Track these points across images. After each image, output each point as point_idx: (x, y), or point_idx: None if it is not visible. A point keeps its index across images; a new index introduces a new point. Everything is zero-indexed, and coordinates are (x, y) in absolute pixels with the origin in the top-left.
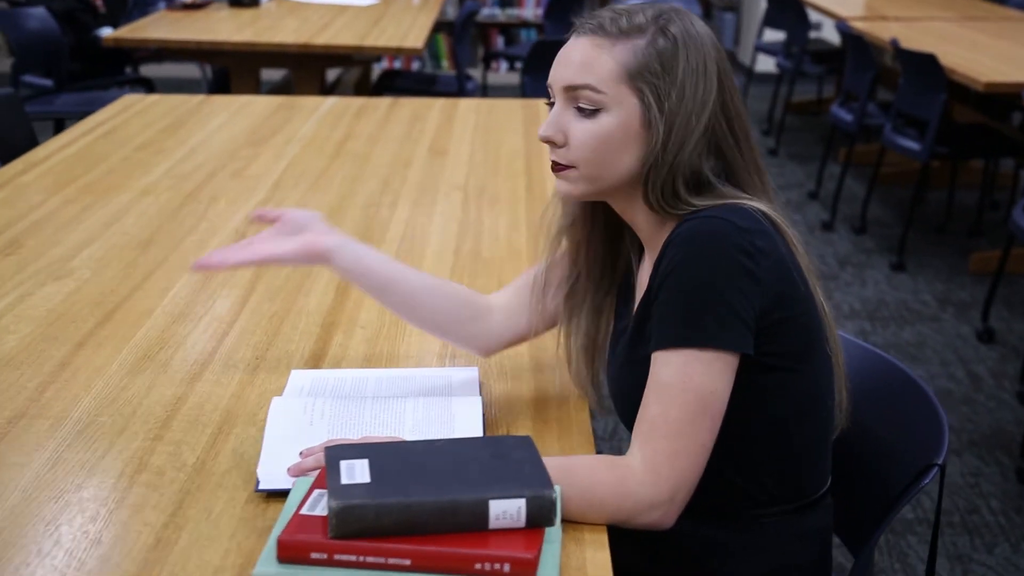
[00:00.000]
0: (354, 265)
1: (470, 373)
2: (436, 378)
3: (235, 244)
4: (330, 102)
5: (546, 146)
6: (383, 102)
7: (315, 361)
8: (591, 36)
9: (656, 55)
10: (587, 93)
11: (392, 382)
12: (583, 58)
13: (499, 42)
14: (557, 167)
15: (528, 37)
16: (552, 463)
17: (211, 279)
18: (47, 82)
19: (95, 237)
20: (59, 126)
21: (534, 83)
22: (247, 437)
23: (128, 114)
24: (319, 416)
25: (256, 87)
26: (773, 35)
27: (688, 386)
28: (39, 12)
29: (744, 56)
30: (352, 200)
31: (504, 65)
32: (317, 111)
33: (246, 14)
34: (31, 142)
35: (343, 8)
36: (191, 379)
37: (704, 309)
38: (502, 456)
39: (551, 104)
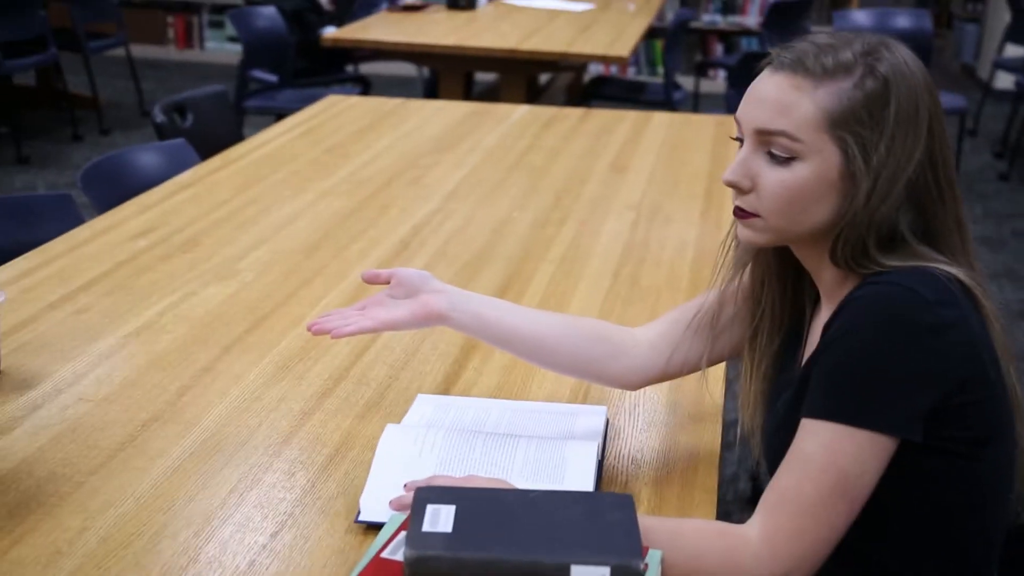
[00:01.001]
0: (472, 322)
1: (597, 413)
2: (560, 415)
3: (351, 309)
4: (521, 111)
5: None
6: (574, 113)
7: (446, 385)
8: (790, 74)
9: (863, 100)
10: (782, 140)
11: (515, 415)
12: (780, 99)
13: (718, 50)
14: (741, 214)
15: (748, 46)
16: (660, 524)
17: (365, 290)
18: (272, 78)
19: (266, 239)
20: (280, 121)
21: (739, 97)
22: (361, 462)
23: (327, 115)
24: (429, 448)
25: (465, 89)
26: (1016, 50)
27: (831, 464)
28: (269, 11)
29: (982, 71)
30: (520, 216)
31: (722, 74)
32: (507, 120)
33: (461, 17)
34: (237, 139)
35: (557, 13)
36: (321, 395)
37: (869, 385)
38: (596, 515)
39: (739, 140)
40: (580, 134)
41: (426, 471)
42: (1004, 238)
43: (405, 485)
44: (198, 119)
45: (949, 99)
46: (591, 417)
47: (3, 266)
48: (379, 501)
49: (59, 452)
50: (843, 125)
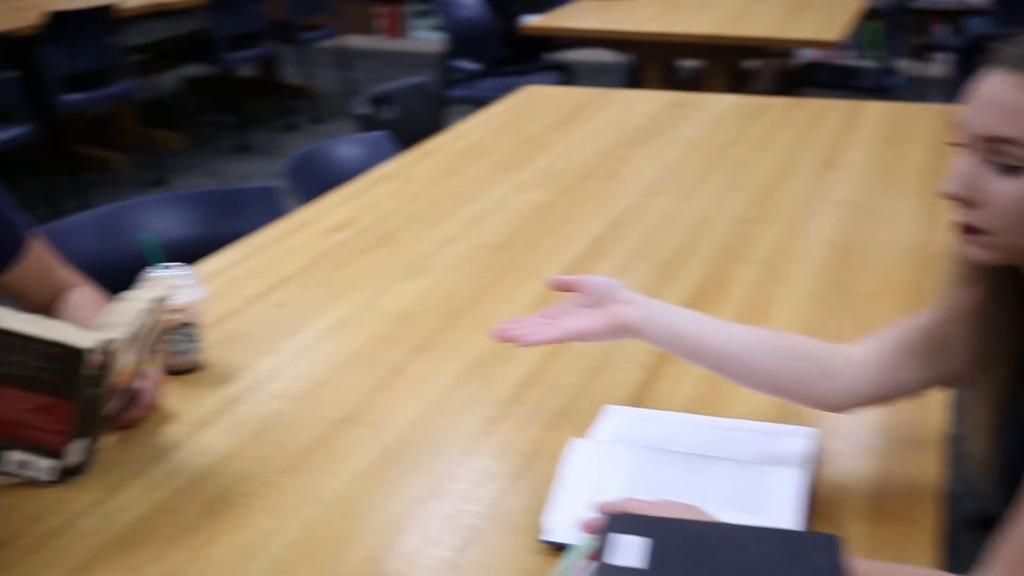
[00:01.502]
0: (665, 335)
1: (806, 436)
2: (763, 435)
3: (537, 316)
4: (725, 100)
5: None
6: (780, 103)
7: (638, 396)
8: (1020, 73)
9: None
10: (1013, 149)
11: (711, 433)
12: (1011, 104)
13: (940, 31)
14: (967, 229)
15: (975, 26)
16: (872, 569)
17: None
18: (475, 66)
19: (459, 235)
20: (479, 110)
21: (966, 84)
22: (549, 476)
23: (525, 105)
24: (618, 466)
25: (666, 77)
26: None
27: None
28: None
29: None
30: (720, 213)
31: (941, 57)
32: (708, 109)
33: (666, 3)
34: (438, 130)
35: None
36: (510, 400)
37: None
38: (798, 559)
39: (959, 146)
40: (788, 125)
41: (613, 491)
42: None
43: (597, 506)
44: (401, 110)
45: None
46: (798, 439)
47: (209, 257)
48: (563, 520)
49: (253, 449)
50: None
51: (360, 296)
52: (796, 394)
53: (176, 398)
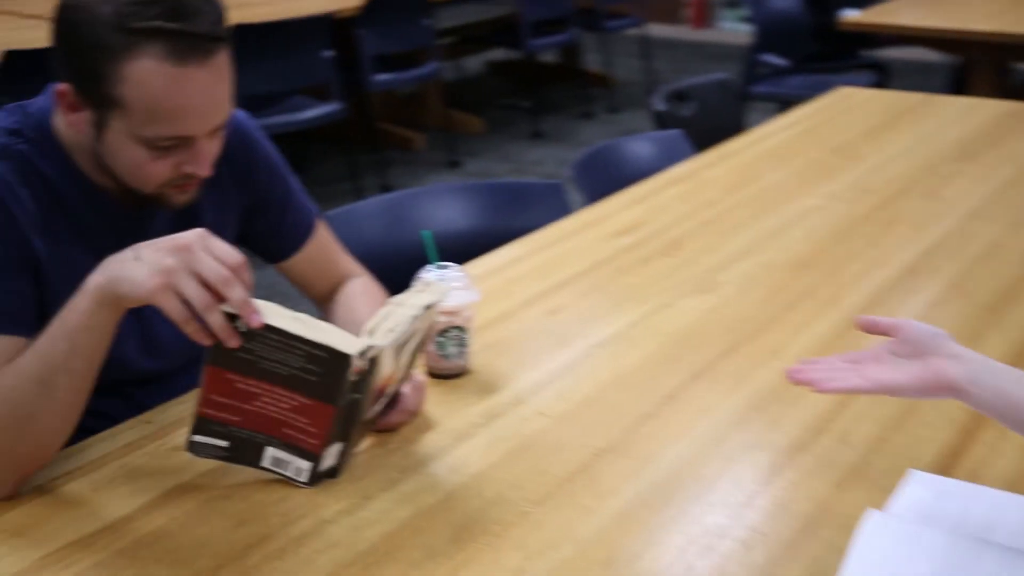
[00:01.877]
0: (997, 401)
1: None
2: None
3: (839, 359)
4: None
5: None
6: None
7: (949, 460)
8: None
9: None
10: None
11: None
12: None
13: None
14: None
15: None
16: None
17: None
18: (783, 62)
19: (752, 249)
20: (784, 110)
21: None
22: (835, 547)
23: (837, 108)
24: (923, 554)
25: (997, 83)
26: None
27: None
28: None
29: None
30: None
31: None
32: None
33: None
34: (738, 130)
35: None
36: (796, 449)
37: None
38: None
39: None
40: None
41: None
42: None
43: None
44: (699, 107)
45: None
46: None
47: (493, 252)
48: None
49: (510, 472)
50: None
51: (638, 309)
52: None
53: (437, 404)
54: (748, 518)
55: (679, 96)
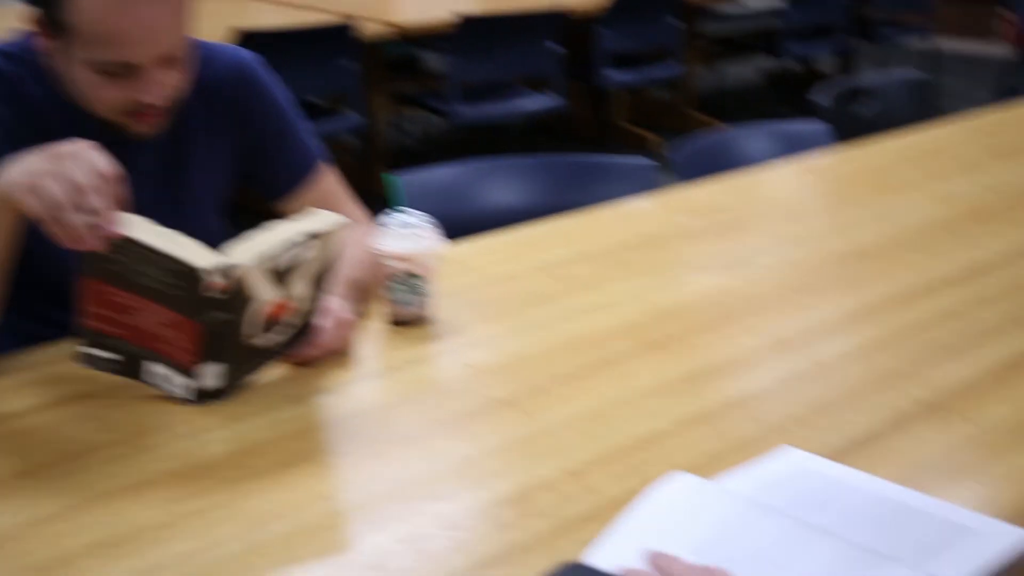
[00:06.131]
0: None
1: (1009, 537)
2: (953, 526)
3: None
4: None
5: None
6: None
7: (853, 446)
8: None
9: None
10: None
11: (886, 509)
12: None
13: None
14: None
15: None
16: None
17: (875, 309)
18: None
19: (809, 237)
20: None
21: None
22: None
23: None
24: (708, 516)
25: None
26: None
27: None
28: None
29: None
30: None
31: None
32: None
33: None
34: None
35: None
36: (701, 417)
37: None
38: None
39: None
40: None
41: (683, 543)
42: None
43: (649, 555)
44: (881, 108)
45: None
46: (996, 540)
47: (542, 221)
48: (606, 560)
49: (395, 411)
50: None
51: (646, 283)
52: None
53: (371, 346)
54: (592, 476)
55: (856, 93)
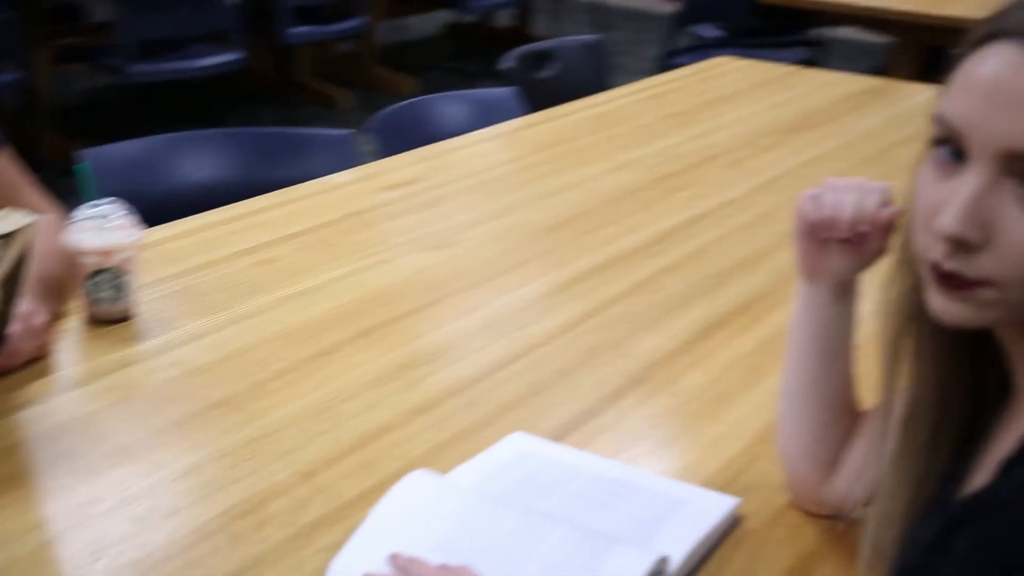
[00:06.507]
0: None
1: (720, 505)
2: (669, 499)
3: None
4: (925, 92)
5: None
6: None
7: (574, 424)
8: None
9: None
10: None
11: (609, 486)
12: None
13: None
14: (954, 281)
15: None
16: None
17: (574, 285)
18: (713, 33)
19: (514, 209)
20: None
21: None
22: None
23: (701, 77)
24: (445, 512)
25: (920, 64)
26: None
27: None
28: None
29: None
30: None
31: None
32: (904, 102)
33: None
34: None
35: None
36: (421, 409)
37: None
38: None
39: (942, 145)
40: None
41: (423, 543)
42: None
43: (389, 557)
44: (562, 69)
45: None
46: (708, 509)
47: (242, 202)
48: (354, 571)
49: (103, 422)
50: None
51: (353, 264)
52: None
53: (71, 351)
54: (324, 475)
55: (540, 57)
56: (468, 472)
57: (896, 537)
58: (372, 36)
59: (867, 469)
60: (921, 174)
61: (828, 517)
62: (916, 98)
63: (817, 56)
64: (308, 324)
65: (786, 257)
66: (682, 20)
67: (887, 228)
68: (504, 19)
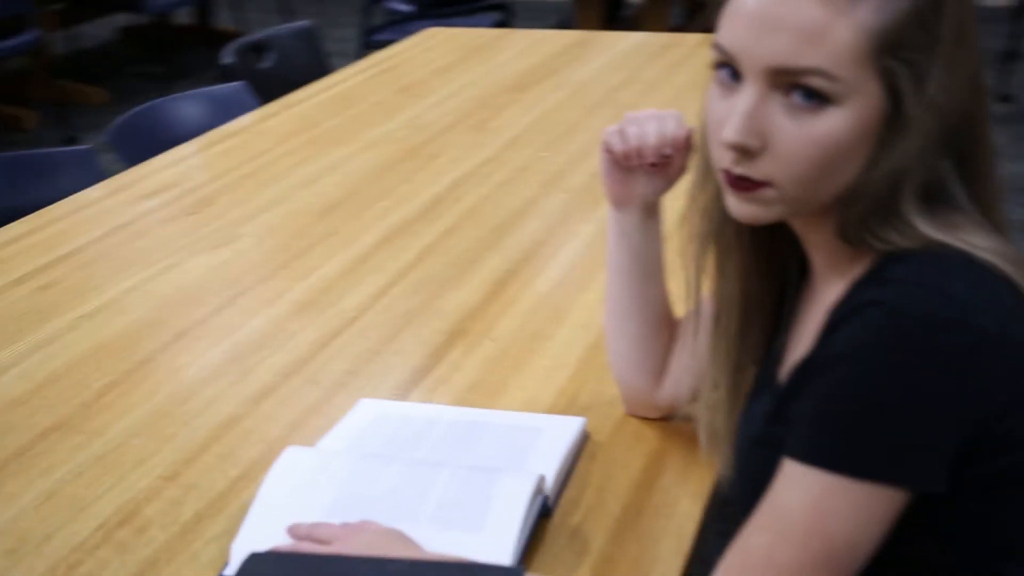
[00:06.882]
0: None
1: (571, 426)
2: (525, 430)
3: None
4: (634, 38)
5: None
6: (692, 39)
7: (411, 383)
8: None
9: (914, 12)
10: (814, 80)
11: (467, 430)
12: (807, 23)
13: None
14: (744, 184)
15: None
16: None
17: (369, 259)
18: (407, 8)
19: (284, 198)
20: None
21: None
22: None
23: (419, 49)
24: (330, 478)
25: (605, 16)
26: None
27: (817, 527)
28: None
29: None
30: (581, 166)
31: None
32: (612, 49)
33: None
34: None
35: None
36: (262, 395)
37: (878, 426)
38: None
39: (722, 68)
40: (688, 65)
41: (317, 510)
42: None
43: (288, 530)
44: (279, 59)
45: None
46: (562, 431)
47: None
48: (257, 548)
49: None
50: (892, 50)
51: (143, 273)
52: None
53: None
54: (187, 474)
55: (257, 48)
56: (332, 442)
57: (726, 421)
58: (46, 49)
59: (690, 368)
60: (708, 93)
61: (663, 418)
62: (618, 46)
63: (506, 18)
64: (117, 337)
65: (553, 202)
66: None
67: (687, 148)
68: (183, 17)
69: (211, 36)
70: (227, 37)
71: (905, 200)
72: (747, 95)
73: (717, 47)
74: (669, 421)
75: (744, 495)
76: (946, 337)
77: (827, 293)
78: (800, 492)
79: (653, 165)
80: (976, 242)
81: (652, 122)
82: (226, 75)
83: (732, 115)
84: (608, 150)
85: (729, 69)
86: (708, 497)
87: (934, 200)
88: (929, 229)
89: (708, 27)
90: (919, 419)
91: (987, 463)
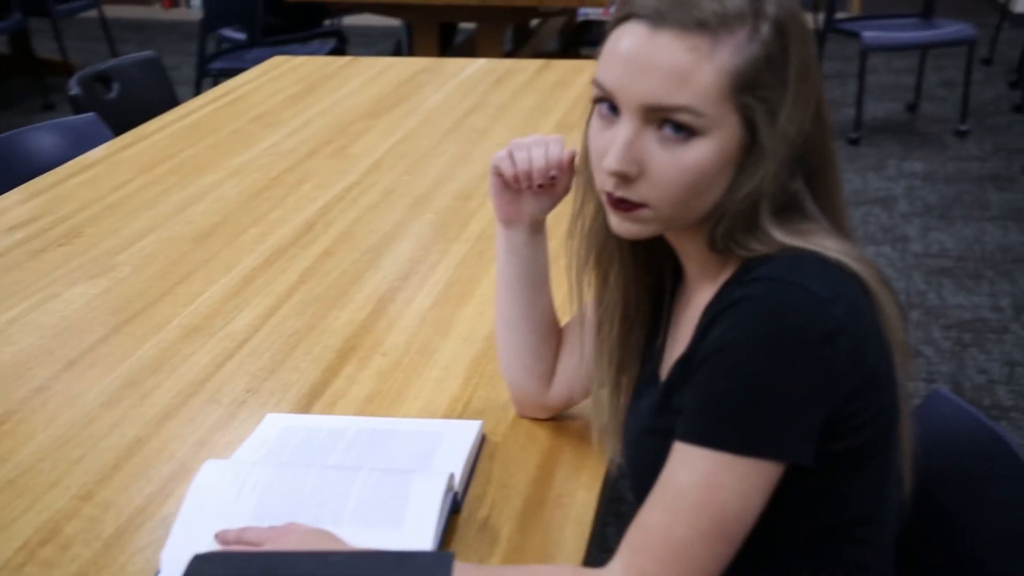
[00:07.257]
0: None
1: (469, 429)
2: (426, 435)
3: None
4: (476, 65)
5: None
6: (532, 65)
7: (311, 398)
8: (680, 32)
9: (764, 55)
10: (682, 116)
11: (373, 437)
12: (675, 67)
13: None
14: (623, 205)
15: None
16: (504, 573)
17: (251, 283)
18: (241, 36)
19: (156, 226)
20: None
21: None
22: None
23: (266, 78)
24: (250, 488)
25: (440, 42)
26: None
27: (708, 501)
28: None
29: None
30: (444, 188)
31: None
32: (457, 76)
33: None
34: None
35: None
36: (165, 416)
37: (754, 407)
38: None
39: (602, 103)
40: (532, 89)
41: (242, 517)
42: (1013, 175)
43: (216, 536)
44: (125, 89)
45: (954, 29)
46: (461, 434)
47: None
48: (184, 557)
49: None
50: (748, 89)
51: (21, 306)
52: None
53: None
54: (101, 493)
55: (100, 78)
56: (246, 455)
57: (613, 416)
58: None
59: (577, 371)
60: (591, 124)
61: (552, 418)
62: (463, 73)
63: (342, 45)
64: (7, 367)
65: (422, 224)
66: (208, 26)
67: (570, 170)
68: (1, 45)
69: (34, 65)
70: (51, 67)
71: (764, 214)
72: (625, 128)
73: (597, 84)
74: (558, 420)
75: (637, 481)
76: (806, 325)
77: (700, 296)
78: (691, 470)
79: (540, 187)
80: (827, 244)
81: (539, 147)
82: (75, 107)
83: (612, 146)
84: (498, 173)
85: (608, 103)
86: (602, 487)
87: (790, 213)
88: (785, 237)
89: (539, 52)
90: (789, 399)
91: (846, 438)
